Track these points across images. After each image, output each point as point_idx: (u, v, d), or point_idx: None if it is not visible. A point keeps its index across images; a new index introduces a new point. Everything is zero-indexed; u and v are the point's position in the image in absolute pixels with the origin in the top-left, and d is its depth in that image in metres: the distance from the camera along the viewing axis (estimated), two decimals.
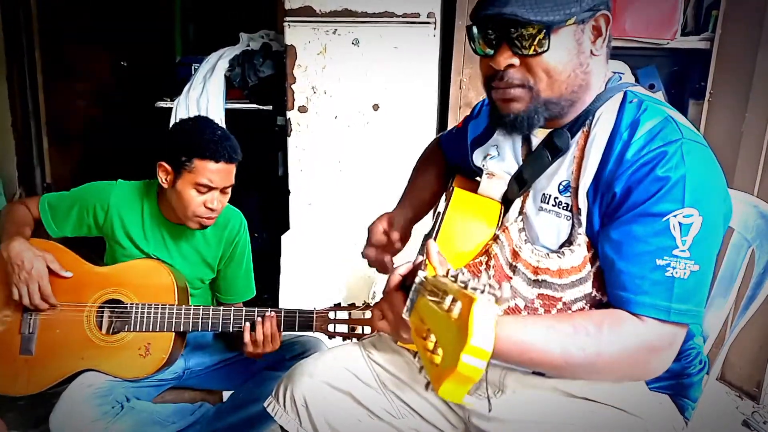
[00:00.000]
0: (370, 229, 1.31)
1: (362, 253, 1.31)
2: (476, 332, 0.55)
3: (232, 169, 1.53)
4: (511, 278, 1.03)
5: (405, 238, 1.32)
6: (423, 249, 1.19)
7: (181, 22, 3.41)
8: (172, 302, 1.51)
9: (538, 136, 1.06)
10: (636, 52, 2.32)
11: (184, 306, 1.51)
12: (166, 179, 1.52)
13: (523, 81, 0.96)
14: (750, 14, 2.09)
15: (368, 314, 1.48)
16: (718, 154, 0.97)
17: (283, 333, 1.53)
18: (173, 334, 1.50)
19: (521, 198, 1.09)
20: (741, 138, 2.15)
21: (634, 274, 0.89)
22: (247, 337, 1.48)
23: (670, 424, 1.06)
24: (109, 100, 3.52)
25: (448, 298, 0.62)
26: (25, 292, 1.45)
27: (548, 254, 1.00)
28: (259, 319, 1.48)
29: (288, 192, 2.57)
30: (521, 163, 1.10)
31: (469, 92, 2.44)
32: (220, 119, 2.66)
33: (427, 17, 2.31)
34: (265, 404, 1.23)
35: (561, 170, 1.03)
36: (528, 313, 1.01)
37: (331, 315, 1.50)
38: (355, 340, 1.42)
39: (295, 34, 2.40)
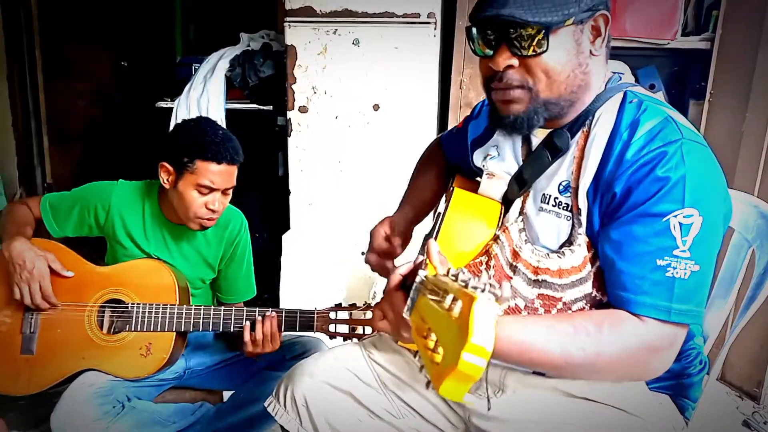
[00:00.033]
0: (372, 234, 1.31)
1: (365, 258, 1.32)
2: (477, 330, 0.55)
3: (234, 170, 1.53)
4: (511, 278, 1.03)
5: (406, 241, 1.33)
6: (423, 249, 1.19)
7: (181, 22, 3.40)
8: (173, 302, 1.51)
9: (538, 136, 1.06)
10: (636, 52, 2.32)
11: (185, 306, 1.51)
12: (167, 180, 1.52)
13: (522, 82, 0.97)
14: (750, 14, 2.09)
15: (369, 314, 1.48)
16: (719, 154, 0.97)
17: (284, 333, 1.53)
18: (174, 333, 1.51)
19: (521, 198, 1.09)
20: (741, 138, 2.15)
21: (635, 275, 0.89)
22: (247, 336, 1.48)
23: (670, 424, 1.06)
24: (109, 100, 3.53)
25: (449, 297, 0.62)
26: (27, 292, 1.45)
27: (548, 254, 1.00)
28: (260, 318, 1.49)
29: (288, 192, 2.58)
30: (521, 163, 1.10)
31: (469, 92, 2.44)
32: (220, 119, 2.66)
33: (428, 17, 2.31)
34: (266, 404, 1.23)
35: (561, 170, 1.03)
36: (528, 313, 1.01)
37: (332, 315, 1.50)
38: (355, 340, 1.42)
39: (295, 34, 2.40)
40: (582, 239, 0.97)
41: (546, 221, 1.03)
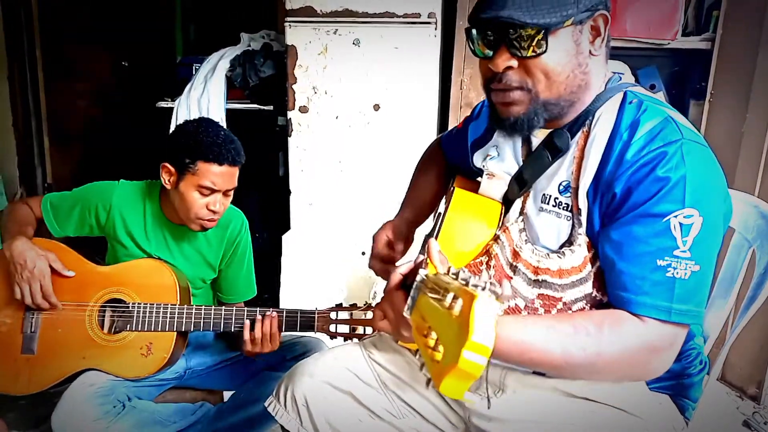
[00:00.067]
0: (374, 239, 1.31)
1: (369, 264, 1.32)
2: (477, 328, 0.55)
3: (236, 171, 1.53)
4: (511, 278, 1.03)
5: (408, 244, 1.33)
6: (424, 248, 1.20)
7: (181, 22, 3.41)
8: (174, 302, 1.51)
9: (538, 136, 1.06)
10: (637, 52, 2.32)
11: (185, 306, 1.51)
12: (169, 180, 1.52)
13: (521, 83, 0.97)
14: (751, 15, 2.10)
15: (370, 314, 1.48)
16: (719, 154, 0.97)
17: (284, 333, 1.53)
18: (175, 333, 1.51)
19: (522, 198, 1.09)
20: (742, 138, 2.15)
21: (635, 275, 0.89)
22: (246, 335, 1.48)
23: (670, 425, 1.07)
24: (109, 100, 3.53)
25: (449, 296, 0.62)
26: (27, 292, 1.45)
27: (548, 254, 1.00)
28: (260, 317, 1.49)
29: (289, 192, 2.58)
30: (521, 163, 1.10)
31: (469, 92, 2.44)
32: (221, 119, 2.67)
33: (428, 17, 2.32)
34: (266, 404, 1.24)
35: (561, 170, 1.03)
36: (528, 313, 1.01)
37: (333, 315, 1.50)
38: (356, 340, 1.42)
39: (295, 34, 2.40)
40: (582, 239, 0.97)
41: (546, 221, 1.03)
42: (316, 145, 2.50)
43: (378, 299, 1.12)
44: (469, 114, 1.33)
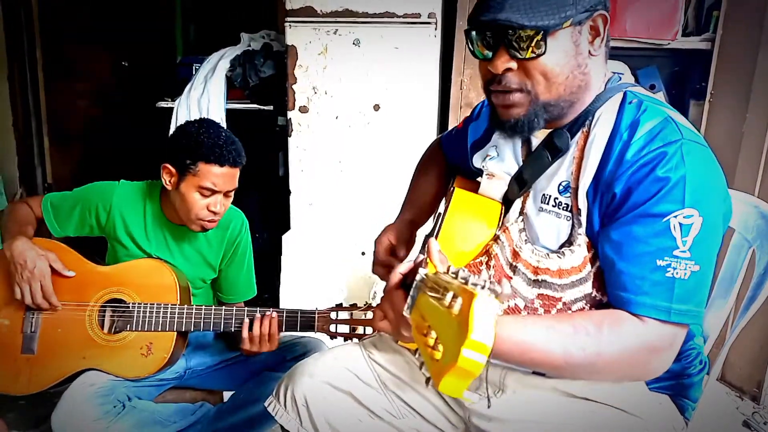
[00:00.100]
0: (376, 243, 1.31)
1: (372, 270, 1.32)
2: (477, 327, 0.55)
3: (236, 173, 1.53)
4: (511, 278, 1.03)
5: (410, 247, 1.33)
6: (424, 248, 1.20)
7: (181, 22, 3.41)
8: (174, 302, 1.51)
9: (538, 136, 1.06)
10: (637, 52, 2.32)
11: (186, 306, 1.51)
12: (169, 181, 1.52)
13: (521, 85, 0.97)
14: (751, 15, 2.10)
15: (370, 315, 1.48)
16: (719, 154, 0.97)
17: (285, 334, 1.53)
18: (175, 333, 1.51)
19: (521, 198, 1.09)
20: (742, 138, 2.15)
21: (635, 275, 0.90)
22: (245, 333, 1.48)
23: (670, 425, 1.07)
24: (109, 100, 3.53)
25: (449, 295, 0.62)
26: (28, 292, 1.45)
27: (548, 254, 1.00)
28: (259, 316, 1.49)
29: (289, 192, 2.58)
30: (521, 163, 1.10)
31: (469, 92, 2.44)
32: (221, 119, 2.67)
33: (428, 18, 2.32)
34: (266, 404, 1.24)
35: (561, 171, 1.03)
36: (528, 313, 1.01)
37: (333, 315, 1.50)
38: (356, 340, 1.42)
39: (296, 34, 2.40)
40: (582, 239, 0.97)
41: (546, 221, 1.03)
42: (316, 145, 2.50)
43: (378, 299, 1.12)
44: (468, 114, 1.33)
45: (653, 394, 1.07)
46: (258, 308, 1.51)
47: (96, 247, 1.66)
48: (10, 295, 1.48)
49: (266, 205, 2.90)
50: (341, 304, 1.54)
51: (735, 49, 2.16)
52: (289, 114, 2.49)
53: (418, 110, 2.41)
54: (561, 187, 1.02)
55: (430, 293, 0.70)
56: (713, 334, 1.21)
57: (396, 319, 0.90)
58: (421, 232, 1.36)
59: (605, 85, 1.03)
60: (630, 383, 1.04)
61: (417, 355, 0.74)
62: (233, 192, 1.56)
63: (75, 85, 3.52)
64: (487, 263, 1.06)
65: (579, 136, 1.01)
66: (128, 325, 1.50)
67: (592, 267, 0.97)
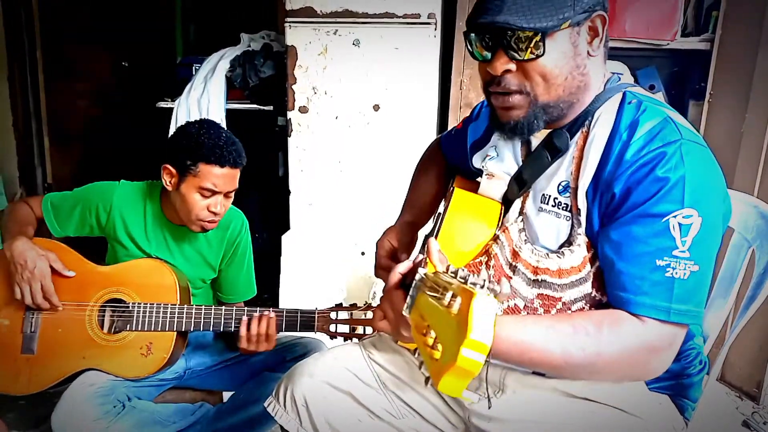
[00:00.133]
0: (378, 246, 1.31)
1: (375, 273, 1.32)
2: (476, 326, 0.55)
3: (237, 173, 1.53)
4: (510, 278, 1.03)
5: (411, 248, 1.33)
6: (423, 247, 1.20)
7: (181, 22, 3.41)
8: (174, 302, 1.51)
9: (538, 136, 1.07)
10: (636, 53, 2.32)
11: (185, 305, 1.52)
12: (170, 182, 1.52)
13: (520, 87, 0.97)
14: (750, 15, 2.10)
15: (369, 314, 1.48)
16: (719, 154, 0.97)
17: (284, 334, 1.53)
18: (175, 333, 1.51)
19: (521, 198, 1.09)
20: (741, 138, 2.16)
21: (634, 275, 0.90)
22: (242, 332, 1.49)
23: (670, 425, 1.07)
24: (109, 100, 3.53)
25: (448, 294, 0.62)
26: (28, 292, 1.45)
27: (548, 254, 1.00)
28: (256, 315, 1.49)
29: (288, 192, 2.58)
30: (521, 163, 1.10)
31: (469, 93, 2.44)
32: (220, 119, 2.67)
33: (428, 18, 2.32)
34: (266, 404, 1.24)
35: (560, 171, 1.03)
36: (528, 313, 1.02)
37: (333, 315, 1.50)
38: (356, 340, 1.43)
39: (295, 34, 2.40)
40: (581, 239, 0.98)
41: (545, 221, 1.03)
42: (315, 145, 2.51)
43: (378, 299, 1.12)
44: (468, 115, 1.33)
45: (653, 394, 1.07)
46: (258, 308, 1.51)
47: (96, 247, 1.66)
48: (10, 295, 1.48)
49: (266, 205, 2.90)
50: (341, 304, 1.54)
51: (734, 49, 2.16)
52: (289, 114, 2.49)
53: (418, 110, 2.42)
54: (560, 187, 1.02)
55: (429, 293, 0.70)
56: (713, 334, 1.21)
57: (395, 318, 0.90)
58: (422, 233, 1.37)
59: (604, 86, 1.03)
60: (630, 383, 1.04)
61: (416, 355, 0.74)
62: (233, 192, 1.56)
63: (75, 85, 3.52)
64: (486, 263, 1.06)
65: (578, 136, 1.02)
66: (128, 325, 1.50)
67: (591, 267, 0.97)
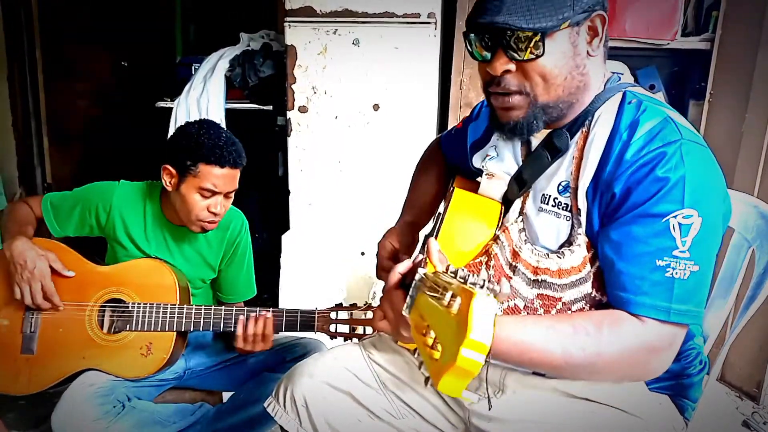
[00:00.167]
0: (379, 247, 1.30)
1: (377, 275, 1.32)
2: (475, 326, 0.55)
3: (237, 174, 1.53)
4: (510, 278, 1.03)
5: (412, 248, 1.33)
6: (423, 247, 1.20)
7: (181, 22, 3.41)
8: (173, 302, 1.51)
9: (538, 136, 1.06)
10: (636, 52, 2.32)
11: (185, 306, 1.51)
12: (170, 182, 1.52)
13: (519, 87, 0.97)
14: (750, 15, 2.10)
15: (369, 314, 1.48)
16: (719, 154, 0.97)
17: (284, 334, 1.53)
18: (174, 333, 1.51)
19: (521, 198, 1.09)
20: (741, 138, 2.16)
21: (634, 275, 0.90)
22: (239, 331, 1.49)
23: (670, 425, 1.07)
24: (109, 100, 3.53)
25: (448, 294, 0.62)
26: (27, 292, 1.45)
27: (548, 254, 1.00)
28: (253, 315, 1.49)
29: (288, 192, 2.58)
30: (521, 163, 1.10)
31: (469, 92, 2.44)
32: (220, 119, 2.67)
33: (428, 17, 2.32)
34: (265, 404, 1.24)
35: (560, 171, 1.03)
36: (528, 313, 1.01)
37: (333, 315, 1.50)
38: (355, 340, 1.42)
39: (295, 34, 2.40)
40: (581, 239, 0.97)
41: (546, 221, 1.03)
42: (315, 145, 2.50)
43: (378, 299, 1.12)
44: (468, 114, 1.33)
45: (653, 395, 1.07)
46: (257, 308, 1.51)
47: (96, 247, 1.66)
48: (9, 295, 1.48)
49: (266, 205, 2.90)
50: (341, 304, 1.54)
51: (734, 49, 2.16)
52: (289, 114, 2.49)
53: (418, 110, 2.41)
54: (560, 187, 1.02)
55: (429, 293, 0.70)
56: (713, 334, 1.21)
57: (395, 318, 0.90)
58: (423, 233, 1.36)
59: (604, 86, 1.03)
60: (630, 383, 1.04)
61: (416, 355, 0.74)
62: (233, 193, 1.56)
63: (75, 85, 3.52)
64: (486, 263, 1.06)
65: (578, 136, 1.02)
66: (128, 325, 1.50)
67: (591, 267, 0.97)
